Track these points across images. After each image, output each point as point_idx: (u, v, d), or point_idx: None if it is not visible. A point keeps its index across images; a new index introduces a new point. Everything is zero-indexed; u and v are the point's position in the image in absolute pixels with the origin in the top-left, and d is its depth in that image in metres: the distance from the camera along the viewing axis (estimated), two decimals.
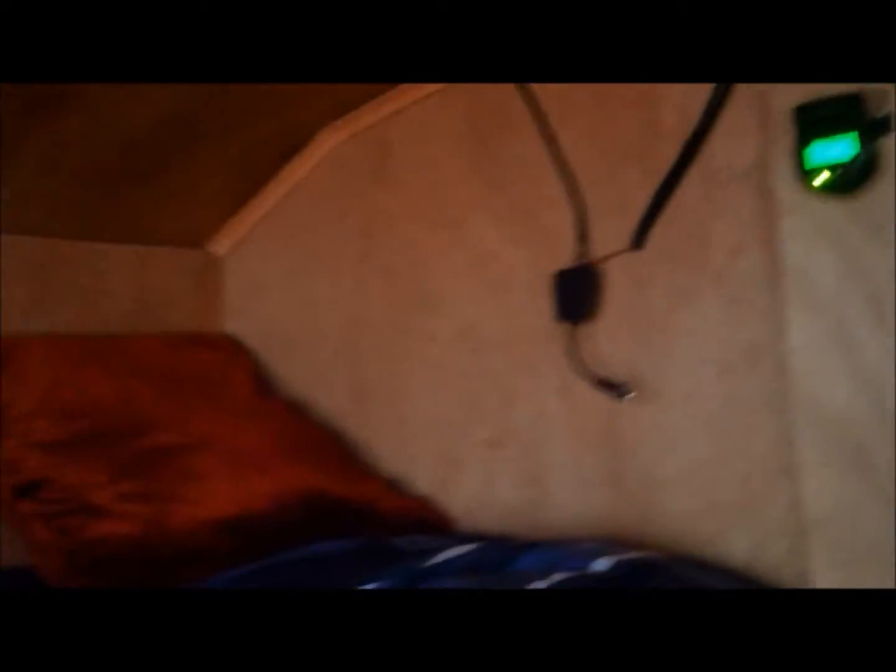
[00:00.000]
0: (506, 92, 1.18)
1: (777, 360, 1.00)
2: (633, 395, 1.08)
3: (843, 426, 0.96)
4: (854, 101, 0.92)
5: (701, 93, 1.04)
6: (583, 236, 1.14)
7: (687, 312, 1.08)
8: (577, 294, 1.13)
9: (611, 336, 1.13)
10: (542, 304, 1.18)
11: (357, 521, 1.18)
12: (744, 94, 1.03)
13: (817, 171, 0.93)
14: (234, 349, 1.43)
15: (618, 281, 1.13)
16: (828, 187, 0.93)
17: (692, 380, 1.08)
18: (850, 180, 0.92)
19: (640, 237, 1.10)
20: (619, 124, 1.13)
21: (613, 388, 1.09)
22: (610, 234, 1.13)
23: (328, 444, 1.34)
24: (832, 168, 0.92)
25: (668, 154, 1.07)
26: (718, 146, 1.05)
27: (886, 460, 0.93)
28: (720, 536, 1.04)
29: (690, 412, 1.08)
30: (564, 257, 1.16)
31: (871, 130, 0.91)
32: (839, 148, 0.92)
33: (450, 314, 1.27)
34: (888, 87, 0.91)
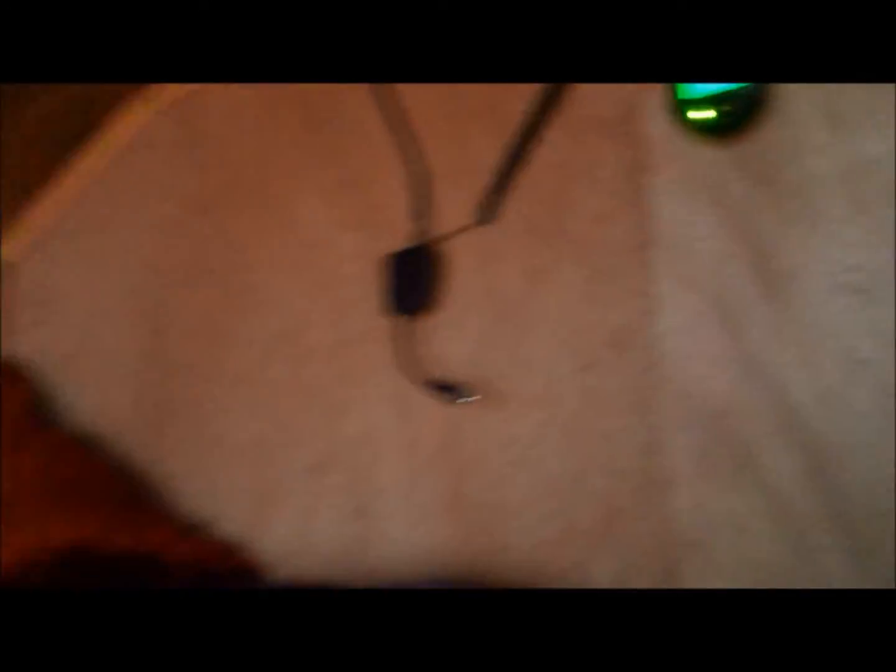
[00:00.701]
0: None
1: (648, 348, 0.83)
2: (474, 398, 0.88)
3: (724, 425, 0.78)
4: None
5: None
6: (422, 211, 0.96)
7: (543, 295, 0.89)
8: (412, 281, 0.94)
9: (455, 329, 0.94)
10: (376, 296, 0.98)
11: (136, 576, 0.94)
12: None
13: (695, 105, 0.77)
14: (8, 375, 1.18)
15: (463, 262, 0.94)
16: (707, 127, 0.77)
17: (548, 376, 0.89)
18: (733, 117, 0.76)
19: (489, 209, 0.92)
20: None
21: (450, 390, 0.89)
22: (455, 206, 0.95)
23: (110, 484, 1.09)
24: (711, 101, 0.76)
25: (524, 108, 0.91)
26: (584, 92, 0.88)
27: (779, 464, 0.76)
28: (581, 565, 0.84)
29: (545, 417, 0.88)
30: (403, 238, 0.97)
31: None
32: None
33: (270, 314, 1.06)
34: None
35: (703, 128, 0.77)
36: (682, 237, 0.80)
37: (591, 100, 0.88)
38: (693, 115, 0.76)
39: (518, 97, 0.91)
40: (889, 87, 0.73)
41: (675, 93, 0.77)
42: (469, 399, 0.88)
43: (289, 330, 1.05)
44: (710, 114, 0.76)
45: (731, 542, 0.76)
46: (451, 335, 0.94)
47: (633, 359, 0.84)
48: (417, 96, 0.98)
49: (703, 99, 0.76)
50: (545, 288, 0.89)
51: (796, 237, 0.76)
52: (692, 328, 0.80)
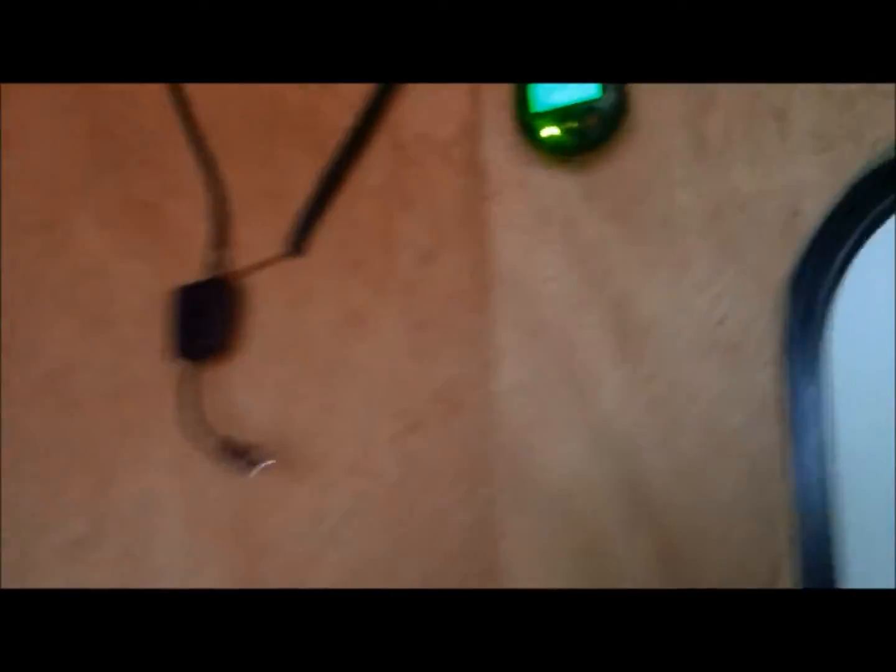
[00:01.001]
0: None
1: (483, 408, 0.70)
2: (269, 463, 0.73)
3: (569, 505, 0.66)
4: None
5: None
6: (221, 239, 0.80)
7: (361, 342, 0.75)
8: (203, 320, 0.78)
9: (253, 379, 0.78)
10: (161, 337, 0.82)
11: None
12: None
13: (545, 119, 0.65)
14: None
15: (267, 301, 0.79)
16: (558, 147, 0.66)
17: (364, 439, 0.74)
18: (588, 135, 0.65)
19: (299, 240, 0.77)
20: (274, 86, 0.81)
21: (241, 454, 0.73)
22: (261, 235, 0.80)
23: None
24: (564, 115, 0.65)
25: (344, 126, 0.77)
26: (414, 107, 0.75)
27: (629, 549, 0.64)
28: None
29: (360, 488, 0.74)
30: (197, 269, 0.81)
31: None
32: (568, 90, 0.65)
33: (34, 355, 0.88)
34: None
35: (553, 148, 0.65)
36: (526, 279, 0.68)
37: (422, 116, 0.75)
38: (546, 132, 0.64)
39: (339, 111, 0.77)
40: (766, 107, 0.63)
41: (524, 106, 0.65)
42: (263, 465, 0.72)
43: (55, 373, 0.86)
44: (554, 131, 0.64)
45: None
46: (248, 386, 0.78)
47: (465, 421, 0.71)
48: (224, 105, 0.83)
49: (553, 112, 0.64)
50: (363, 334, 0.75)
51: (658, 284, 0.65)
52: (535, 387, 0.67)
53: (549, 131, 0.65)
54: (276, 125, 0.80)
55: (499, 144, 0.69)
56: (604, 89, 0.64)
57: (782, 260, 0.62)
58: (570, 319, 0.67)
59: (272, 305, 0.78)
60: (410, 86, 0.75)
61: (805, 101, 0.63)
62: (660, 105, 0.66)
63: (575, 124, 0.64)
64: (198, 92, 0.84)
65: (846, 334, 0.62)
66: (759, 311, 0.63)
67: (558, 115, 0.64)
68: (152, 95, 0.85)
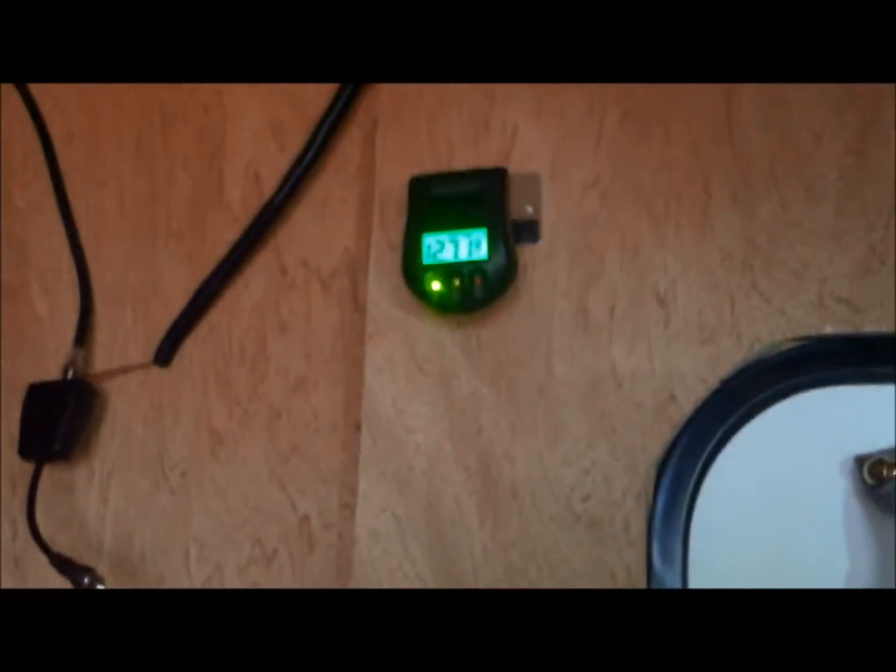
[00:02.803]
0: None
1: (337, 550, 0.67)
2: (99, 587, 0.68)
3: None
4: (493, 182, 0.65)
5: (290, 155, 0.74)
6: (82, 337, 0.76)
7: (221, 463, 0.72)
8: (53, 420, 0.73)
9: (101, 487, 0.74)
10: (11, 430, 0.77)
11: None
12: (341, 164, 0.73)
13: (431, 274, 0.64)
14: None
15: (129, 407, 0.75)
16: (442, 302, 0.64)
17: (210, 567, 0.71)
18: (471, 297, 0.63)
19: (167, 350, 0.74)
20: (155, 177, 0.78)
21: (74, 572, 0.68)
22: (126, 338, 0.76)
23: None
24: (450, 275, 0.63)
25: (228, 240, 0.74)
26: (295, 234, 0.73)
27: None
28: None
29: None
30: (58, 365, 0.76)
31: (502, 231, 0.64)
32: (457, 248, 0.64)
33: None
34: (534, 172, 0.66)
35: (437, 303, 0.64)
36: (395, 427, 0.66)
37: (307, 243, 0.73)
38: (432, 286, 0.63)
39: (226, 224, 0.75)
40: (651, 292, 0.63)
41: (413, 256, 0.64)
42: (97, 586, 0.67)
43: None
44: (440, 286, 0.63)
45: None
46: (94, 495, 0.74)
47: (320, 559, 0.68)
48: (102, 196, 0.80)
49: (440, 267, 0.63)
50: (225, 456, 0.72)
51: (528, 451, 0.64)
52: (389, 537, 0.65)
53: (436, 286, 0.63)
54: (157, 229, 0.77)
55: (383, 285, 0.68)
56: (492, 252, 0.63)
57: (654, 443, 0.62)
58: (436, 474, 0.65)
59: (131, 414, 0.75)
60: (297, 211, 0.73)
61: (689, 290, 0.63)
62: (546, 274, 0.65)
63: (460, 283, 0.63)
64: (75, 173, 0.80)
65: (709, 523, 0.62)
66: (626, 491, 0.62)
67: (446, 271, 0.63)
68: (27, 171, 0.82)
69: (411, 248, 0.64)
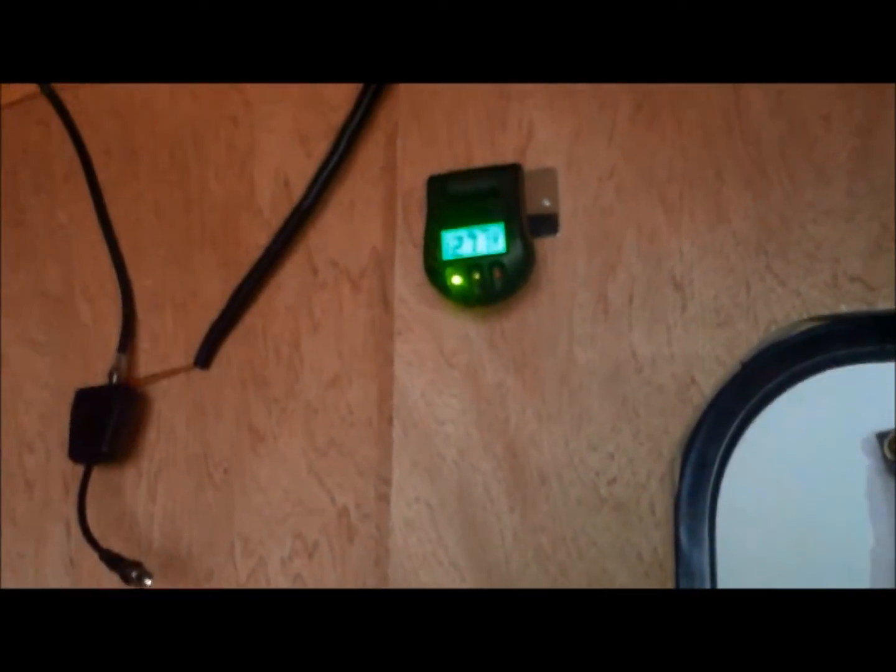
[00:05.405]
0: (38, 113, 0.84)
1: (374, 540, 0.70)
2: (147, 582, 0.71)
3: None
4: (508, 178, 0.67)
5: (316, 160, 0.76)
6: (125, 342, 0.80)
7: (261, 460, 0.74)
8: (99, 424, 0.76)
9: (148, 487, 0.77)
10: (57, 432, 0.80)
11: None
12: (365, 167, 0.75)
13: (452, 269, 0.66)
14: None
15: (171, 411, 0.78)
16: (464, 296, 0.66)
17: (254, 561, 0.73)
18: (492, 289, 0.65)
19: (206, 352, 0.77)
20: (188, 188, 0.81)
21: (124, 567, 0.71)
22: (167, 342, 0.79)
23: None
24: (470, 269, 0.65)
25: (260, 244, 0.77)
26: (324, 236, 0.76)
27: None
28: None
29: None
30: (103, 370, 0.80)
31: (518, 224, 0.65)
32: (476, 243, 0.66)
33: None
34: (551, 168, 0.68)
35: (459, 296, 0.66)
36: (425, 419, 0.68)
37: (336, 244, 0.75)
38: (453, 280, 0.65)
39: (258, 229, 0.78)
40: (667, 277, 0.65)
41: (434, 252, 0.66)
42: (144, 583, 0.70)
43: None
44: (461, 280, 0.65)
45: None
46: (142, 494, 0.77)
47: (359, 549, 0.70)
48: (139, 206, 0.83)
49: (461, 261, 0.65)
50: (264, 452, 0.74)
51: (553, 437, 0.65)
52: (423, 525, 0.67)
53: (456, 280, 0.65)
54: (192, 236, 0.80)
55: (409, 282, 0.70)
56: (510, 245, 0.65)
57: (676, 426, 0.63)
58: (466, 463, 0.67)
59: (175, 415, 0.78)
60: (325, 213, 0.75)
61: (705, 275, 0.64)
62: (565, 264, 0.67)
63: (480, 276, 0.65)
64: (113, 188, 0.84)
65: (734, 504, 0.63)
66: (650, 474, 0.63)
67: (465, 265, 0.65)
68: (68, 187, 0.85)
69: (431, 245, 0.66)
